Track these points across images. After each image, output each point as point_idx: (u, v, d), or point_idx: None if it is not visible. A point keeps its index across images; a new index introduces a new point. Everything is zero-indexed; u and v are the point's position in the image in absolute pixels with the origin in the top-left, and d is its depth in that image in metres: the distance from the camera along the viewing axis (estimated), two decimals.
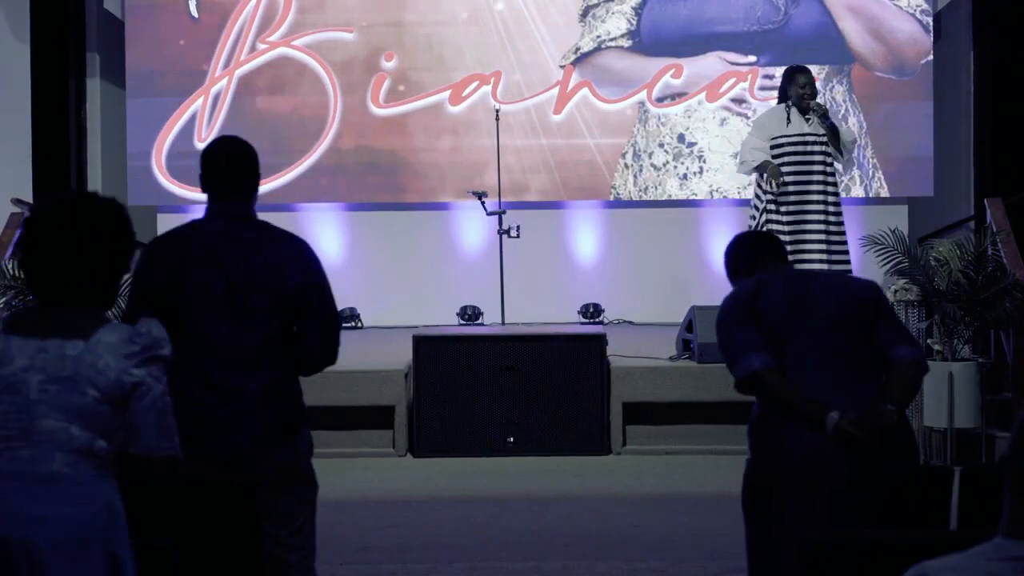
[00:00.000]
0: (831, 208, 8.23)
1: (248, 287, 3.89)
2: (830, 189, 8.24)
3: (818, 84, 10.14)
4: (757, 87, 10.17)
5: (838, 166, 8.39)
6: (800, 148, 8.21)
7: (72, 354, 2.86)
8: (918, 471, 3.95)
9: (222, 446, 3.92)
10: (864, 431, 3.72)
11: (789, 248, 8.17)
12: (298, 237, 4.06)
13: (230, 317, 3.88)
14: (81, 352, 2.86)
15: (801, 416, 3.77)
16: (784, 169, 8.20)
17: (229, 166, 4.00)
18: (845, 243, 8.28)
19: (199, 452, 3.90)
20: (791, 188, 8.19)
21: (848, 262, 8.25)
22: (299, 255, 3.97)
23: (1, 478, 2.84)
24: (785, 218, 8.22)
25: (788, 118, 8.25)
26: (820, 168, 8.20)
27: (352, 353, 8.29)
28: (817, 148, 8.20)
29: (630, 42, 10.23)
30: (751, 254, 4.12)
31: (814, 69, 10.12)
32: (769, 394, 3.83)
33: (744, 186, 10.13)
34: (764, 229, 8.22)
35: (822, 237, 8.21)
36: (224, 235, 3.94)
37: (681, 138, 10.21)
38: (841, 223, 8.28)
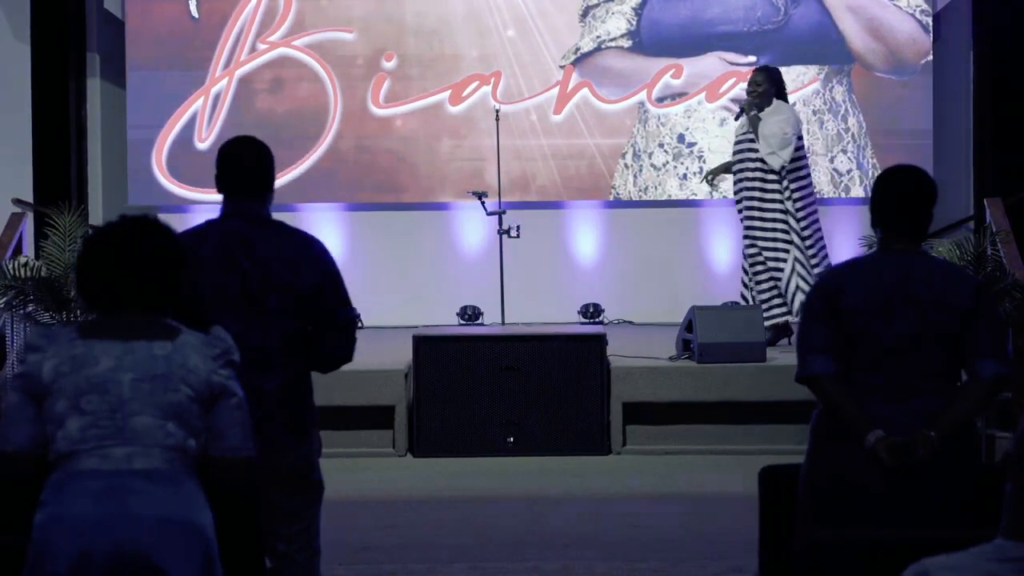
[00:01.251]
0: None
1: (264, 287, 3.91)
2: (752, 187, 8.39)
3: (817, 84, 10.17)
4: None
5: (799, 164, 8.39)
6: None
7: (161, 354, 2.92)
8: (977, 478, 3.80)
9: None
10: (897, 459, 3.67)
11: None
12: (312, 236, 4.09)
13: (246, 317, 3.90)
14: (170, 352, 2.92)
15: (848, 427, 3.74)
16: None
17: (245, 166, 4.02)
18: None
19: None
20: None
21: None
22: (313, 254, 3.99)
23: (98, 477, 2.86)
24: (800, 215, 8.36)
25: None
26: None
27: None
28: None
29: (630, 42, 10.23)
30: (893, 218, 3.82)
31: (814, 69, 10.18)
32: (823, 399, 3.81)
33: None
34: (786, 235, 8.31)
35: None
36: (239, 235, 3.95)
37: (681, 138, 10.22)
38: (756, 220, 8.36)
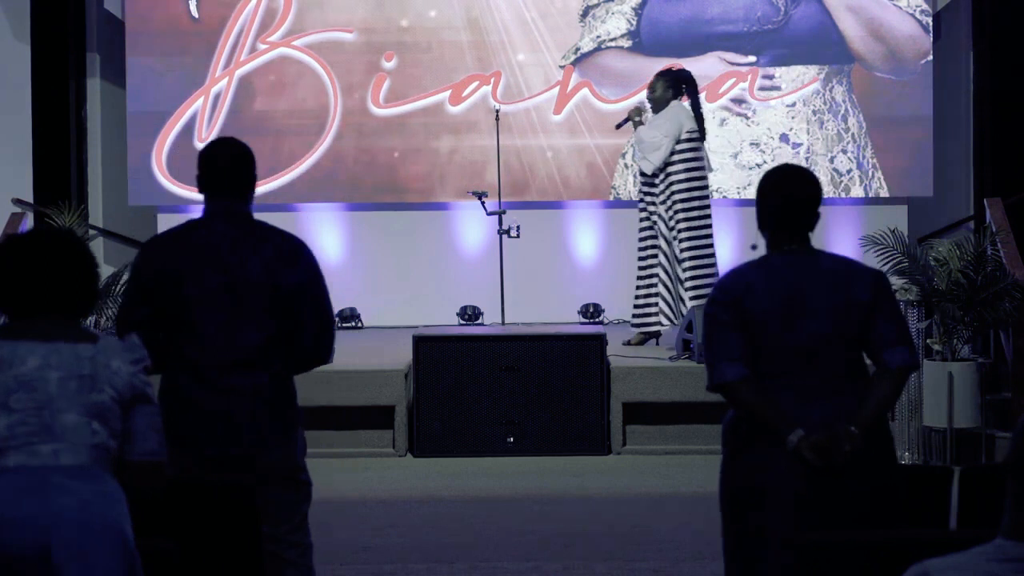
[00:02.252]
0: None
1: (246, 287, 3.92)
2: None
3: (817, 84, 10.18)
4: (757, 87, 10.17)
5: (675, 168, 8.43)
6: None
7: (86, 355, 2.94)
8: (897, 475, 3.84)
9: (222, 445, 3.94)
10: (822, 458, 3.65)
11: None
12: (295, 237, 4.10)
13: (229, 317, 3.91)
14: (94, 353, 2.94)
15: (768, 429, 3.71)
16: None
17: (227, 166, 4.04)
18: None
19: (199, 452, 3.92)
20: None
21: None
22: (296, 254, 4.00)
23: (27, 473, 2.88)
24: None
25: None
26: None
27: (352, 353, 8.32)
28: None
29: (630, 42, 10.23)
30: (782, 219, 3.84)
31: (814, 69, 10.18)
32: (739, 406, 3.79)
33: (744, 186, 10.14)
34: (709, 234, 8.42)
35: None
36: (223, 235, 3.96)
37: None
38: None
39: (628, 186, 10.22)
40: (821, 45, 10.17)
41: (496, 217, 9.24)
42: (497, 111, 9.65)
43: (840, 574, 3.26)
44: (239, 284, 3.92)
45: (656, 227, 8.42)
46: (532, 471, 7.33)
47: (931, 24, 10.17)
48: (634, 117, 8.55)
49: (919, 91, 10.17)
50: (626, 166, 10.22)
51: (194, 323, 3.91)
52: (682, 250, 8.35)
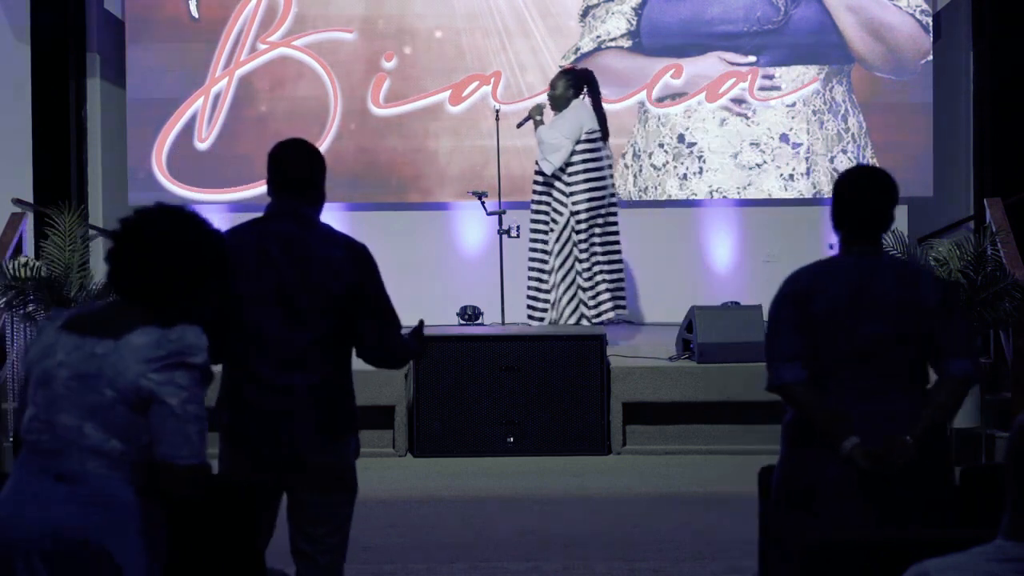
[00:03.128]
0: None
1: (298, 287, 3.92)
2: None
3: (817, 84, 10.17)
4: (757, 87, 10.17)
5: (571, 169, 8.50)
6: None
7: (99, 352, 2.90)
8: (949, 486, 3.79)
9: (274, 445, 3.94)
10: (876, 466, 3.66)
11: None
12: (356, 241, 4.09)
13: (280, 316, 3.91)
14: (108, 352, 2.90)
15: (823, 433, 3.73)
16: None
17: (296, 168, 4.03)
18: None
19: (253, 451, 3.92)
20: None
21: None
22: (354, 257, 4.00)
23: (30, 470, 2.91)
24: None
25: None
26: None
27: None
28: None
29: (630, 42, 10.23)
30: (855, 220, 3.81)
31: (814, 69, 10.17)
32: (796, 407, 3.81)
33: (744, 186, 10.14)
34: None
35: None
36: (280, 235, 3.97)
37: (681, 138, 10.21)
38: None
39: (628, 186, 10.22)
40: (821, 45, 10.16)
41: (496, 217, 9.24)
42: (497, 111, 9.64)
43: (839, 573, 3.26)
44: (291, 285, 3.92)
45: (550, 225, 8.45)
46: (532, 471, 7.33)
47: (931, 24, 10.17)
48: (535, 116, 8.60)
49: (919, 91, 10.16)
50: (626, 166, 10.22)
51: (247, 321, 3.91)
52: (589, 252, 8.40)
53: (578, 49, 10.24)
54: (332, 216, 10.48)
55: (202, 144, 10.19)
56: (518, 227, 9.17)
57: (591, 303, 8.46)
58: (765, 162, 10.10)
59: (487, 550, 5.83)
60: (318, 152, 4.13)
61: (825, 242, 9.65)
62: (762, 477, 4.25)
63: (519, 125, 8.98)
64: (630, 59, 10.22)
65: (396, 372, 7.76)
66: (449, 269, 10.27)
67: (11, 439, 7.15)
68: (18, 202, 9.13)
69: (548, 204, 8.52)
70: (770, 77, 10.16)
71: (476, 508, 6.57)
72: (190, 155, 10.18)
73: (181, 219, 3.06)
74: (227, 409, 3.94)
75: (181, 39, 10.22)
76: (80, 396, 2.89)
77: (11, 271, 7.88)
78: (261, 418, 3.92)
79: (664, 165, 10.23)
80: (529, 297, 8.66)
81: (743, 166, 10.17)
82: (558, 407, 7.69)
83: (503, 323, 9.17)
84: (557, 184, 8.47)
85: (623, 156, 10.21)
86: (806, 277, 3.84)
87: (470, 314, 9.91)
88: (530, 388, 7.70)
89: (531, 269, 8.68)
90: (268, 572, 4.02)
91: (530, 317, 8.67)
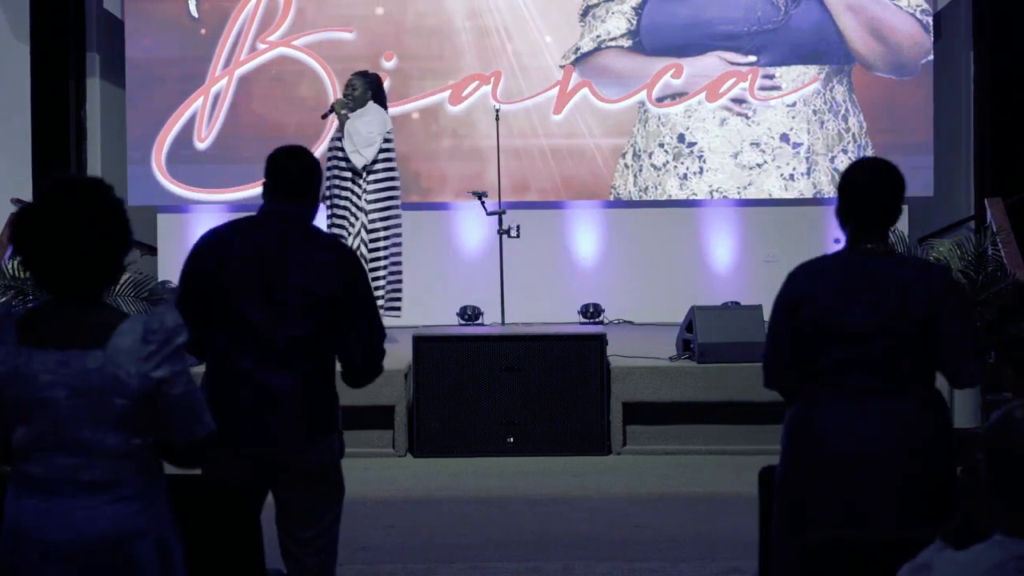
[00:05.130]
0: None
1: (282, 285, 3.93)
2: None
3: (817, 84, 10.17)
4: (757, 87, 10.17)
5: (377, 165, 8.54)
6: None
7: (93, 367, 2.85)
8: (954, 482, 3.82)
9: (255, 444, 3.94)
10: None
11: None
12: (347, 246, 4.13)
13: (265, 313, 3.91)
14: (102, 363, 2.85)
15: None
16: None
17: (293, 175, 4.05)
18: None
19: (236, 450, 3.91)
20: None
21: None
22: (340, 262, 4.01)
23: (45, 485, 2.86)
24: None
25: None
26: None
27: None
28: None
29: (630, 42, 10.22)
30: (856, 214, 3.79)
31: (814, 69, 10.17)
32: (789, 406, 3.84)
33: (744, 186, 10.14)
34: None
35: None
36: (269, 233, 4.00)
37: (681, 138, 10.21)
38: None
39: (628, 186, 10.22)
40: (821, 45, 10.16)
41: (496, 217, 9.24)
42: (497, 111, 9.64)
43: (839, 573, 3.25)
44: (275, 281, 3.92)
45: (349, 220, 8.42)
46: (532, 471, 7.33)
47: (931, 24, 10.17)
48: (339, 110, 8.53)
49: (919, 91, 10.16)
50: (626, 166, 10.22)
51: (231, 312, 3.92)
52: (380, 252, 8.42)
53: (578, 49, 10.24)
54: None
55: (202, 144, 10.19)
56: (518, 227, 9.17)
57: None
58: (765, 162, 10.10)
59: (487, 550, 5.83)
60: (316, 161, 4.15)
61: (826, 242, 9.67)
62: (762, 477, 4.25)
63: (324, 116, 8.82)
64: (630, 59, 10.22)
65: (396, 372, 7.76)
66: (449, 269, 10.27)
67: None
68: (18, 202, 9.11)
69: (348, 200, 8.45)
70: (770, 77, 10.16)
71: (476, 508, 6.57)
72: (190, 155, 10.18)
73: (92, 188, 2.92)
74: (210, 408, 3.91)
75: (181, 39, 10.22)
76: (90, 410, 2.85)
77: (11, 271, 7.88)
78: (244, 417, 3.92)
79: (664, 165, 10.22)
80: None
81: (743, 166, 10.17)
82: (558, 407, 7.69)
83: (503, 323, 9.17)
84: (359, 181, 8.45)
85: (623, 156, 10.21)
86: (806, 276, 3.80)
87: (470, 314, 9.91)
88: (530, 388, 7.70)
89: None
90: (267, 573, 4.02)
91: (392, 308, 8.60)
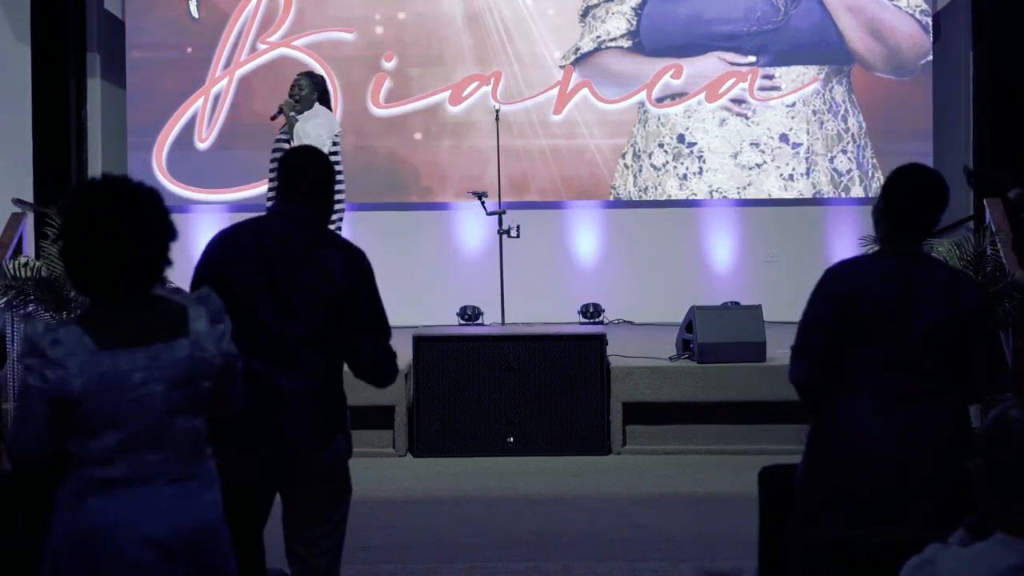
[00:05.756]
0: None
1: (289, 285, 3.93)
2: None
3: (817, 84, 10.17)
4: (757, 87, 10.17)
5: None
6: None
7: (183, 355, 2.88)
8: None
9: (263, 444, 3.93)
10: None
11: None
12: (353, 245, 4.11)
13: (273, 312, 3.91)
14: (190, 351, 2.89)
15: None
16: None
17: (309, 177, 4.06)
18: None
19: (244, 451, 3.91)
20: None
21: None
22: (348, 261, 4.00)
23: (131, 483, 2.85)
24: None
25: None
26: None
27: None
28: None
29: (630, 42, 10.23)
30: (904, 219, 3.81)
31: (814, 69, 10.17)
32: (804, 404, 3.84)
33: (744, 186, 10.14)
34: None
35: None
36: (278, 233, 3.99)
37: (681, 138, 10.21)
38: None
39: (628, 186, 10.23)
40: (821, 45, 10.17)
41: (496, 217, 9.24)
42: (497, 111, 9.65)
43: (839, 573, 3.26)
44: (282, 281, 3.93)
45: None
46: (532, 471, 7.33)
47: (931, 24, 10.17)
48: (288, 111, 8.40)
49: (919, 91, 10.17)
50: (626, 166, 10.23)
51: (240, 316, 3.91)
52: None
53: (578, 49, 10.24)
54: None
55: (202, 144, 10.19)
56: (518, 227, 9.17)
57: None
58: (765, 162, 10.10)
59: (487, 550, 5.83)
60: (330, 163, 4.16)
61: (826, 242, 9.67)
62: (762, 477, 4.25)
63: (273, 117, 8.62)
64: (630, 59, 10.22)
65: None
66: (449, 269, 10.27)
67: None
68: (18, 202, 9.12)
69: None
70: (770, 77, 10.16)
71: (476, 508, 6.57)
72: (190, 155, 10.18)
73: (125, 186, 2.90)
74: None
75: (181, 39, 10.22)
76: (186, 399, 2.88)
77: (11, 271, 7.88)
78: (254, 417, 3.92)
79: (664, 165, 10.23)
80: None
81: (743, 166, 10.17)
82: (558, 407, 7.69)
83: (503, 323, 9.17)
84: None
85: (623, 156, 10.22)
86: (851, 278, 3.80)
87: (470, 314, 9.91)
88: (530, 388, 7.70)
89: None
90: (268, 572, 4.03)
91: None
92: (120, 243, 2.83)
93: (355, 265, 4.02)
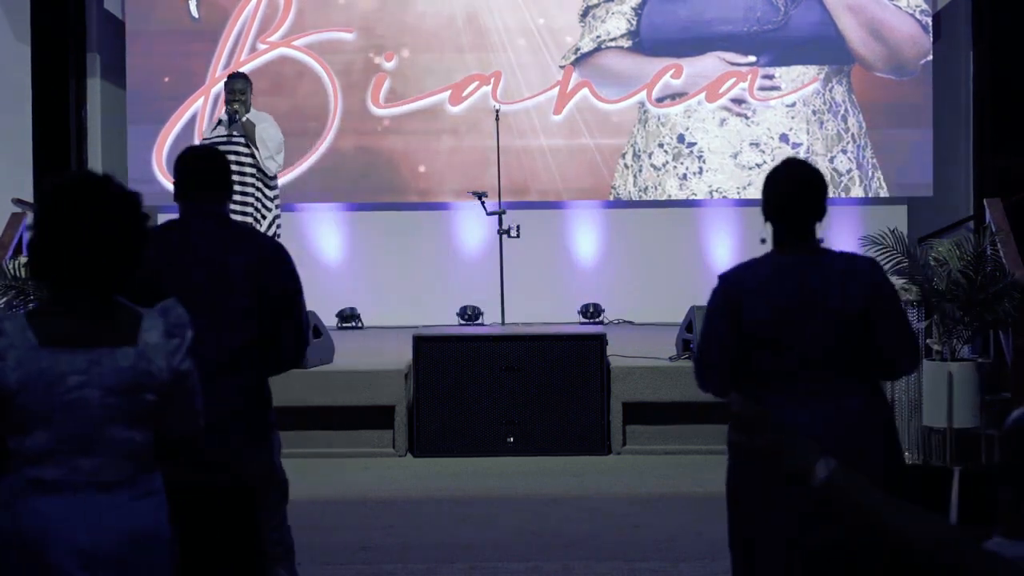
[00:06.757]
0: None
1: (227, 289, 3.92)
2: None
3: (817, 84, 10.17)
4: (757, 87, 10.17)
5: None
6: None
7: (125, 364, 2.83)
8: (902, 471, 3.81)
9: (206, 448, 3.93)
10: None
11: None
12: (272, 240, 4.16)
13: (211, 318, 3.89)
14: (135, 360, 2.83)
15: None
16: None
17: (201, 168, 4.08)
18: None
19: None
20: None
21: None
22: (278, 259, 4.03)
23: (63, 487, 2.82)
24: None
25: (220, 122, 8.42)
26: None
27: (352, 353, 8.32)
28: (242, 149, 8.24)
29: (630, 42, 10.23)
30: (781, 213, 3.81)
31: (814, 69, 10.18)
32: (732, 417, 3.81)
33: (744, 186, 10.14)
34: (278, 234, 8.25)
35: None
36: (206, 236, 3.98)
37: (681, 138, 10.22)
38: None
39: (628, 186, 10.23)
40: (821, 45, 10.17)
41: (496, 217, 9.24)
42: (497, 111, 9.65)
43: (838, 573, 3.26)
44: (219, 286, 3.93)
45: (252, 218, 8.20)
46: (532, 471, 7.33)
47: (931, 24, 10.18)
48: (243, 115, 8.30)
49: (919, 91, 10.17)
50: (626, 166, 10.23)
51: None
52: None
53: (578, 49, 10.25)
54: (333, 216, 10.55)
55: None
56: (518, 227, 9.17)
57: None
58: (765, 162, 10.10)
59: (487, 550, 5.83)
60: (224, 155, 4.23)
61: (825, 242, 9.64)
62: None
63: (230, 123, 8.37)
64: (630, 59, 10.23)
65: (396, 372, 7.77)
66: (449, 269, 10.27)
67: None
68: (18, 202, 9.12)
69: (253, 205, 8.26)
70: (770, 77, 10.17)
71: (476, 508, 6.57)
72: None
73: (119, 193, 2.87)
74: None
75: (181, 39, 10.23)
76: (124, 408, 2.82)
77: (11, 271, 7.89)
78: None
79: (664, 165, 10.23)
80: None
81: (743, 166, 10.18)
82: (558, 407, 7.69)
83: (503, 323, 9.17)
84: (263, 188, 8.30)
85: (623, 156, 10.22)
86: (738, 278, 3.78)
87: (470, 314, 9.91)
88: (530, 388, 7.70)
89: None
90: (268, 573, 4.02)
91: None
92: (79, 234, 2.79)
93: (286, 262, 4.10)
